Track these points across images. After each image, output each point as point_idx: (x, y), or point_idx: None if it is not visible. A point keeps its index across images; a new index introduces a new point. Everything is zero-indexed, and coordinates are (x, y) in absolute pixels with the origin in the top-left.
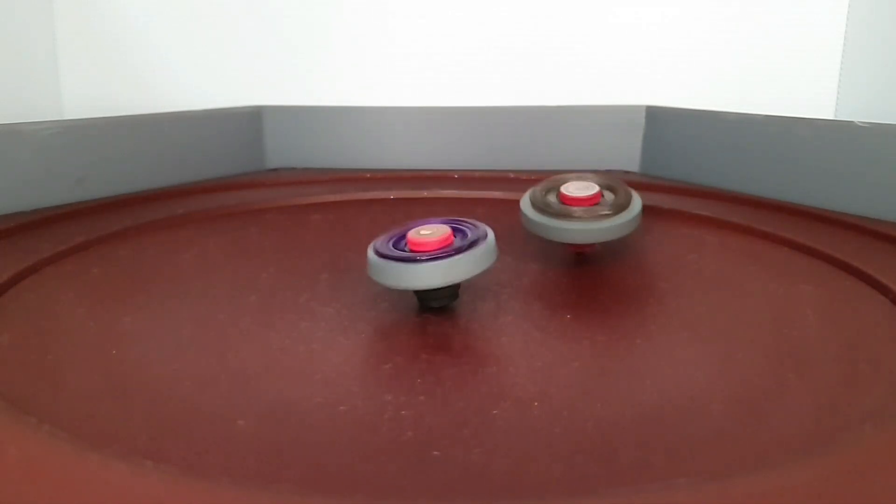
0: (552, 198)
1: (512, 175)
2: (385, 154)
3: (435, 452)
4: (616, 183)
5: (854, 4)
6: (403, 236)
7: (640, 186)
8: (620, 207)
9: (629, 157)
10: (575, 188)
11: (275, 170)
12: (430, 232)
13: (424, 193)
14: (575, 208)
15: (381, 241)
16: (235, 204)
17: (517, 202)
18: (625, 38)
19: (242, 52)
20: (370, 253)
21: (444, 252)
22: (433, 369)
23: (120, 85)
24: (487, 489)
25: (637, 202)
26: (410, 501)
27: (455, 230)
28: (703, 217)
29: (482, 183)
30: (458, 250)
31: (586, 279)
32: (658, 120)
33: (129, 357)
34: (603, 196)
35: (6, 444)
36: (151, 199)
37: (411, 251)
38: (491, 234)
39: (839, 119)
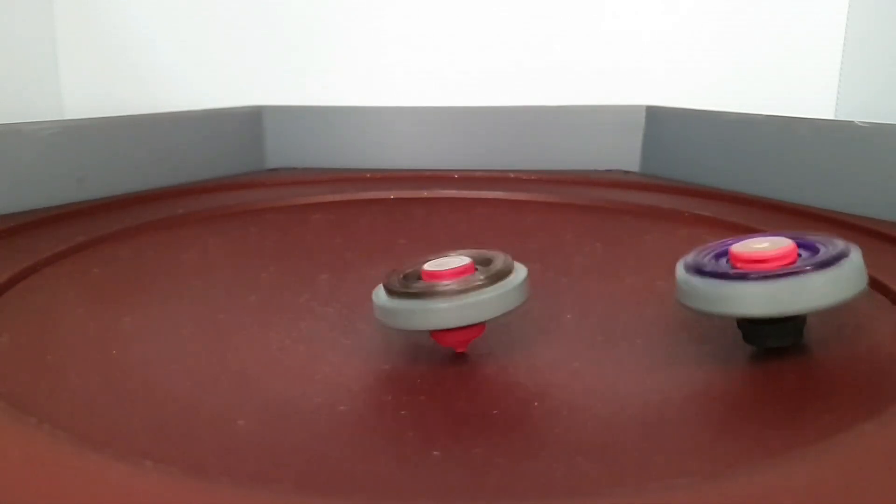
0: (413, 280)
1: (512, 175)
2: (385, 154)
3: (435, 452)
4: (493, 253)
5: (854, 4)
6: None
7: (640, 186)
8: (498, 276)
9: (629, 157)
10: (437, 263)
11: (275, 170)
12: (765, 245)
13: (424, 193)
14: (440, 283)
15: (695, 256)
16: (235, 204)
17: (517, 202)
18: (625, 38)
19: (242, 52)
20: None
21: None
22: (433, 369)
23: (120, 85)
24: (487, 489)
25: (521, 271)
26: (410, 501)
27: (800, 245)
28: (703, 217)
29: (482, 183)
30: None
31: (587, 279)
32: (658, 120)
33: (129, 357)
34: (477, 268)
35: (6, 444)
36: (151, 199)
37: (735, 268)
38: (856, 252)
39: (839, 119)
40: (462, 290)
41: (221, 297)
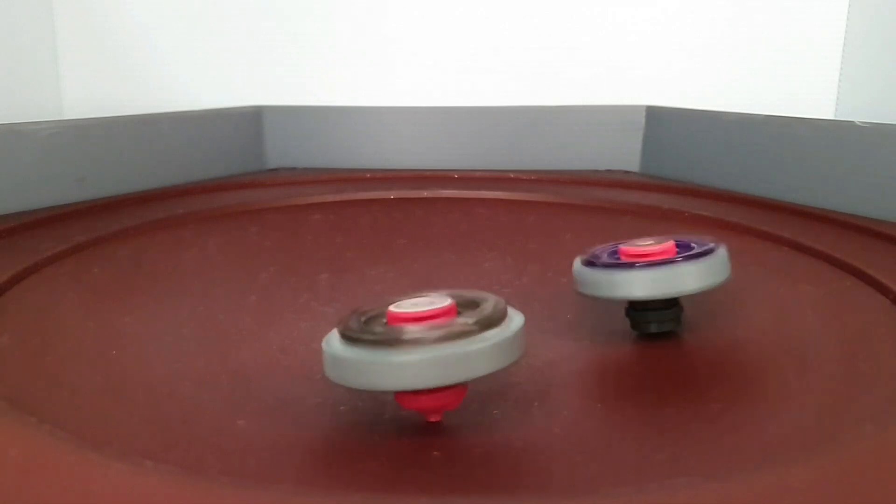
0: (377, 325)
1: (512, 175)
2: (385, 154)
3: (435, 452)
4: (483, 295)
5: (854, 4)
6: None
7: (640, 186)
8: (486, 322)
9: (629, 157)
10: (410, 304)
11: (275, 170)
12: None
13: (424, 193)
14: (409, 328)
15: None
16: (235, 204)
17: (517, 202)
18: (625, 38)
19: (242, 52)
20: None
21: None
22: None
23: (120, 85)
24: (487, 489)
25: (517, 318)
26: (410, 501)
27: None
28: (703, 217)
29: (482, 183)
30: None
31: None
32: (658, 120)
33: (129, 357)
34: (460, 312)
35: (7, 444)
36: (151, 199)
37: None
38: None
39: (839, 119)
40: (436, 338)
41: (221, 297)
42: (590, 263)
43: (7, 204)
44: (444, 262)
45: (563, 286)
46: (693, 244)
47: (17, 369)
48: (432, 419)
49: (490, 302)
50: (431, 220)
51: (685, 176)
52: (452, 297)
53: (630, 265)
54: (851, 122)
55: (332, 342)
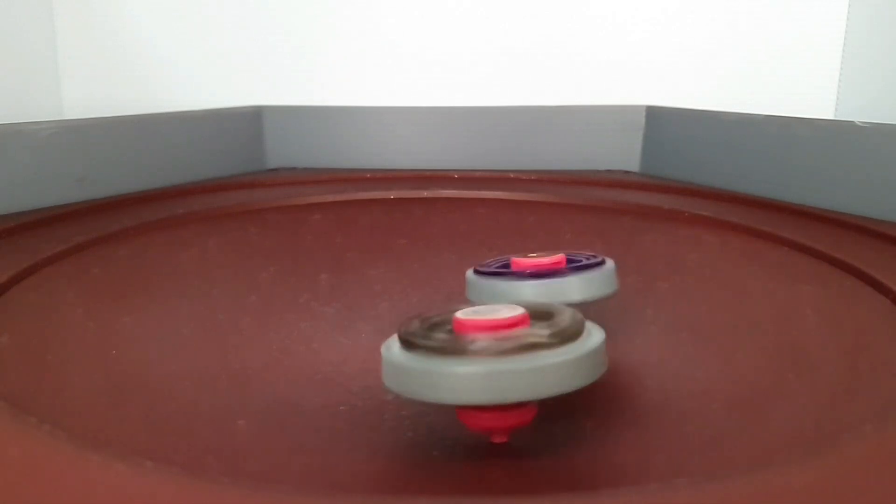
0: (441, 331)
1: (512, 175)
2: (385, 154)
3: (435, 452)
4: (558, 307)
5: (854, 4)
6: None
7: (640, 186)
8: (564, 335)
9: (629, 157)
10: (478, 311)
11: (275, 170)
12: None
13: (424, 193)
14: (478, 339)
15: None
16: (235, 204)
17: (517, 202)
18: (625, 38)
19: (242, 52)
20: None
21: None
22: None
23: (120, 85)
24: (488, 489)
25: (597, 333)
26: (410, 501)
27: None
28: (703, 217)
29: (482, 183)
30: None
31: None
32: (658, 120)
33: (129, 357)
34: (533, 321)
35: (6, 444)
36: (151, 199)
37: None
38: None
39: (839, 119)
40: (506, 349)
41: (221, 297)
42: (480, 273)
43: (7, 204)
44: (444, 262)
45: None
46: (583, 258)
47: (17, 369)
48: (497, 440)
49: (567, 314)
50: (431, 220)
51: (685, 176)
52: (525, 307)
53: (519, 275)
54: (851, 122)
55: (392, 347)
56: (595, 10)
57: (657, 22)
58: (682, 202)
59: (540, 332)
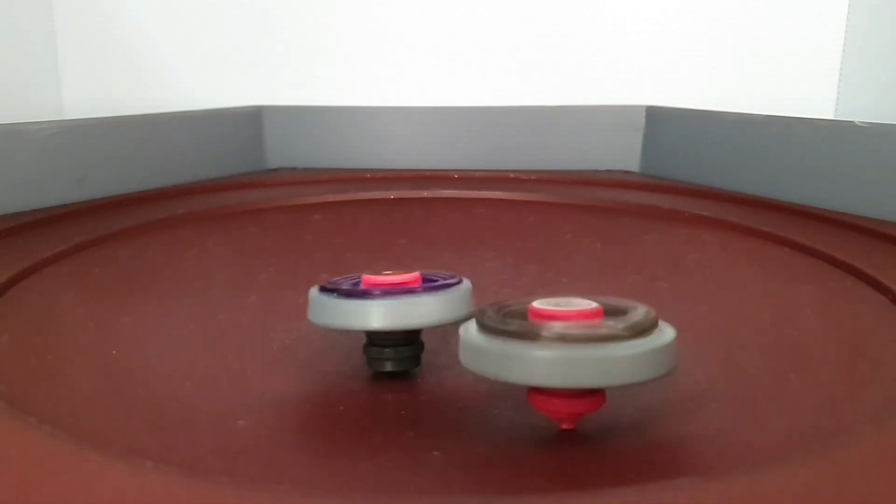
0: (517, 317)
1: (512, 175)
2: (385, 154)
3: (435, 452)
4: (631, 303)
5: (854, 4)
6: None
7: (640, 186)
8: (639, 330)
9: (629, 157)
10: (554, 302)
11: (275, 170)
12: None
13: (424, 193)
14: (553, 326)
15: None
16: (235, 204)
17: (517, 202)
18: (625, 37)
19: (242, 52)
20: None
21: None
22: (433, 369)
23: (120, 85)
24: (487, 489)
25: (669, 329)
26: (410, 501)
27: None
28: (703, 217)
29: (482, 183)
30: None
31: (587, 279)
32: (658, 120)
33: (129, 357)
34: (607, 316)
35: (6, 444)
36: (151, 199)
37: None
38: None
39: (839, 119)
40: (578, 337)
41: (221, 297)
42: (327, 290)
43: (7, 204)
44: (444, 263)
45: (564, 286)
46: (440, 278)
47: (17, 369)
48: (565, 426)
49: (640, 310)
50: (431, 220)
51: (685, 176)
52: (602, 304)
53: (368, 293)
54: (851, 122)
55: (470, 330)
56: (595, 10)
57: (657, 22)
58: (682, 202)
59: (614, 324)
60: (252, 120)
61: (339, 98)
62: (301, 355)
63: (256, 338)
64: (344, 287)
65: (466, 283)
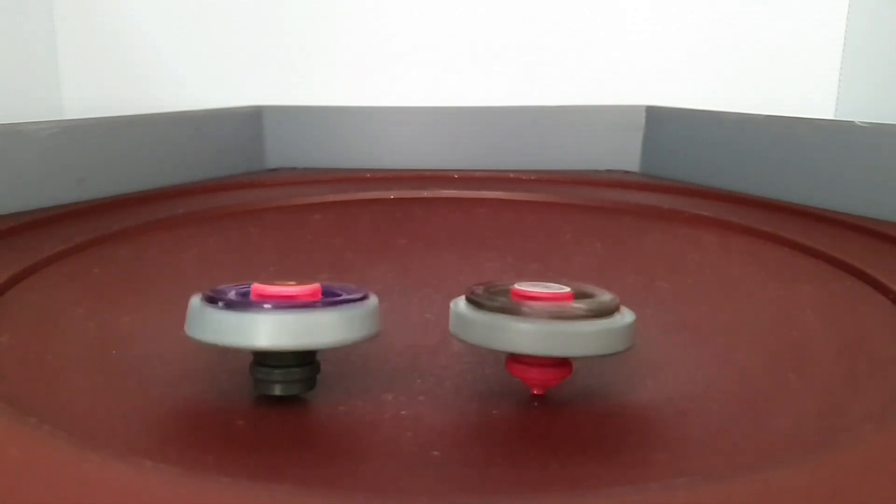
0: (501, 296)
1: (512, 175)
2: (385, 154)
3: (435, 452)
4: (597, 290)
5: (854, 4)
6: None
7: (640, 186)
8: (602, 311)
9: (629, 157)
10: (533, 285)
11: (275, 170)
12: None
13: (424, 193)
14: (532, 304)
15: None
16: (235, 204)
17: (517, 202)
18: (625, 37)
19: (242, 52)
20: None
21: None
22: (433, 369)
23: (120, 85)
24: (487, 489)
25: (629, 313)
26: (410, 501)
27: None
28: (703, 217)
29: (482, 183)
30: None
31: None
32: (658, 120)
33: (129, 357)
34: (577, 298)
35: (6, 444)
36: (151, 199)
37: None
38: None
39: (839, 119)
40: (554, 314)
41: None
42: (211, 300)
43: (7, 204)
44: (444, 262)
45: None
46: (342, 291)
47: (17, 369)
48: (536, 392)
49: (605, 296)
50: (431, 220)
51: (685, 176)
52: (573, 288)
53: (255, 305)
54: (851, 122)
55: (460, 304)
56: (595, 10)
57: (657, 22)
58: (682, 202)
59: (581, 306)
60: (252, 120)
61: (339, 98)
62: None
63: None
64: (229, 296)
65: (373, 300)
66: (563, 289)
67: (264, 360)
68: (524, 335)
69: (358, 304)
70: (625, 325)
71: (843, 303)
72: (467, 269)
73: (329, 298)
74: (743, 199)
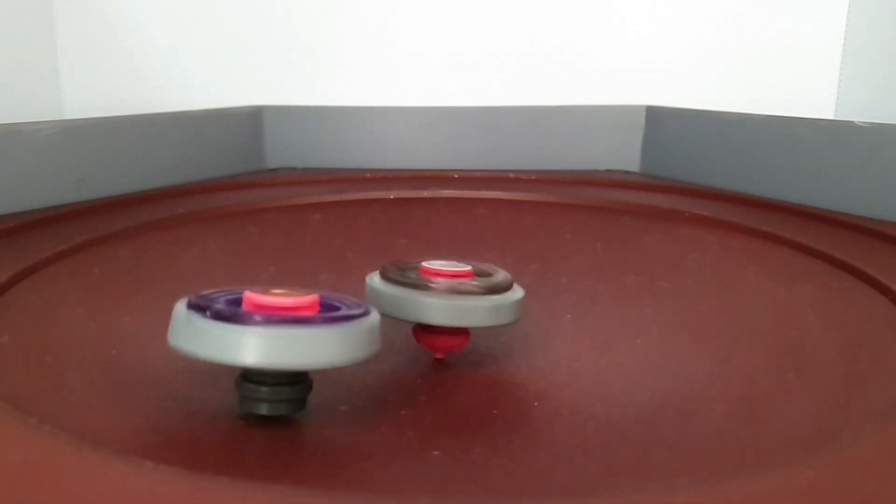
0: (412, 273)
1: (512, 175)
2: (385, 154)
3: (435, 452)
4: (497, 270)
5: (854, 4)
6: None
7: (640, 186)
8: (496, 289)
9: (629, 157)
10: (440, 263)
11: (275, 170)
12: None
13: (424, 193)
14: (437, 280)
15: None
16: (235, 204)
17: (517, 202)
18: (625, 37)
19: (242, 52)
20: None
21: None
22: (433, 369)
23: (120, 85)
24: (487, 489)
25: (519, 291)
26: (410, 501)
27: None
28: (703, 217)
29: (482, 183)
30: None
31: (587, 279)
32: (658, 120)
33: (129, 357)
34: (476, 276)
35: (6, 444)
36: (151, 199)
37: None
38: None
39: (839, 119)
40: (454, 290)
41: None
42: (197, 308)
43: (7, 204)
44: None
45: (564, 286)
46: (342, 304)
47: (17, 369)
48: (438, 356)
49: (500, 275)
50: (431, 220)
51: (685, 176)
52: (473, 267)
53: (245, 318)
54: (851, 122)
55: (374, 279)
56: (595, 10)
57: (657, 22)
58: (682, 202)
59: (477, 283)
60: (252, 120)
61: (339, 98)
62: None
63: None
64: (217, 305)
65: (374, 316)
66: (464, 267)
67: (251, 376)
68: (429, 308)
69: (357, 321)
70: (514, 301)
71: (843, 303)
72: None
73: (327, 314)
74: (743, 199)
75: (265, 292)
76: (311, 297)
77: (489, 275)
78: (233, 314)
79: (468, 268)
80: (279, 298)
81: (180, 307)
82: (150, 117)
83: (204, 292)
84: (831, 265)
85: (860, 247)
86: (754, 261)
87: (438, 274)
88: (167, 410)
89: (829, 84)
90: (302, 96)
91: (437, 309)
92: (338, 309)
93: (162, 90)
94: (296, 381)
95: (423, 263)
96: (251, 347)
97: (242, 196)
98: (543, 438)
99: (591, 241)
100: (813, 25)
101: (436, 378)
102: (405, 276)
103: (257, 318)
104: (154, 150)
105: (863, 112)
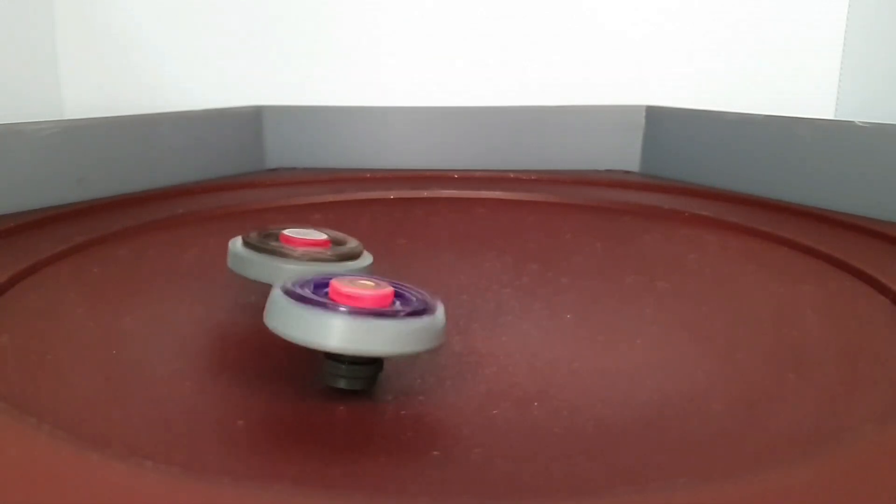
0: (272, 240)
1: (512, 175)
2: (385, 154)
3: (435, 452)
4: (350, 239)
5: (854, 4)
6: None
7: (640, 186)
8: (346, 256)
9: (629, 157)
10: (298, 232)
11: (275, 170)
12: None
13: (424, 193)
14: (295, 248)
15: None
16: (235, 204)
17: (517, 202)
18: (625, 37)
19: (242, 52)
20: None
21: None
22: (433, 369)
23: (120, 85)
24: (487, 489)
25: (368, 257)
26: (410, 501)
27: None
28: (703, 217)
29: (482, 183)
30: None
31: (587, 279)
32: (658, 120)
33: (129, 357)
34: (332, 245)
35: (6, 444)
36: (151, 199)
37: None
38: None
39: (839, 119)
40: (306, 258)
41: (221, 297)
42: (295, 295)
43: (7, 204)
44: (444, 262)
45: (564, 286)
46: (411, 294)
47: (17, 369)
48: None
49: (352, 244)
50: (431, 220)
51: (685, 176)
52: (330, 236)
53: (335, 307)
54: (851, 122)
55: (237, 245)
56: (595, 10)
57: (657, 22)
58: (682, 202)
59: (329, 253)
60: (252, 120)
61: (339, 98)
62: (301, 355)
63: (256, 338)
64: (302, 289)
65: (440, 311)
66: (321, 236)
67: (334, 356)
68: (287, 273)
69: (426, 316)
70: (363, 267)
71: (843, 303)
72: (467, 268)
73: (399, 308)
74: (743, 199)
75: (350, 283)
76: (386, 290)
77: (343, 243)
78: (321, 302)
79: (324, 236)
80: (360, 290)
81: (278, 291)
82: (150, 117)
83: (300, 279)
84: (831, 265)
85: (860, 247)
86: (754, 261)
87: (295, 241)
88: (167, 410)
89: (829, 84)
90: (302, 96)
91: (295, 275)
92: (409, 301)
93: (162, 90)
94: (370, 362)
95: (284, 231)
96: (334, 334)
97: (242, 196)
98: (543, 438)
99: (591, 241)
100: (813, 25)
101: (436, 378)
102: (266, 243)
103: (342, 308)
104: (154, 150)
105: (863, 112)
